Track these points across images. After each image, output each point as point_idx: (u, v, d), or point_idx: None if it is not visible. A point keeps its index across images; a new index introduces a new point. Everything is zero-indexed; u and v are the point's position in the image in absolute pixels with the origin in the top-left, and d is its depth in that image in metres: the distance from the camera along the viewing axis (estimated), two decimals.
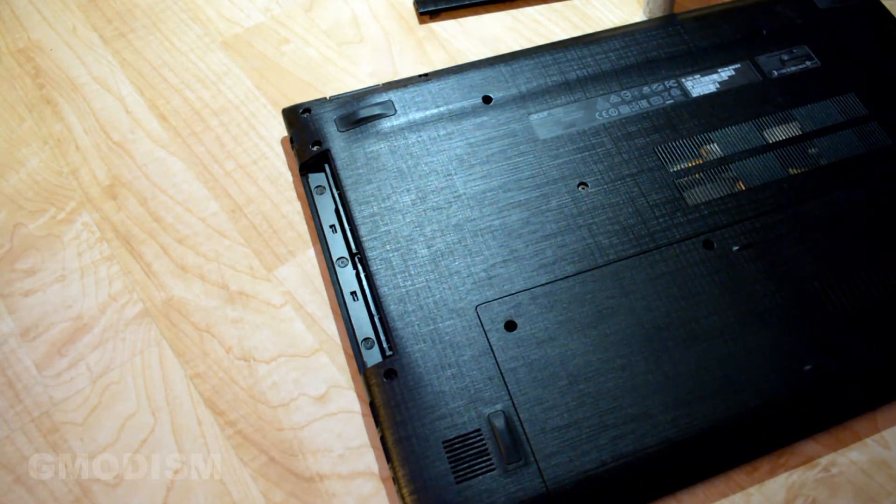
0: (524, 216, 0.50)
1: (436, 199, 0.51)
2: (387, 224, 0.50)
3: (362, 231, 0.50)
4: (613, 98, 0.56)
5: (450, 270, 0.48)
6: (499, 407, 0.44)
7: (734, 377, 0.45)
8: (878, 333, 0.47)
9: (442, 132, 0.54)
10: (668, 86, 0.57)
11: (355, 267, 0.50)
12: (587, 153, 0.53)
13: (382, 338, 0.47)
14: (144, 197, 0.55)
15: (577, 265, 0.49)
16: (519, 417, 0.43)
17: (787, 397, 0.45)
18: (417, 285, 0.48)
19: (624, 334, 0.46)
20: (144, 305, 0.50)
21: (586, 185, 0.52)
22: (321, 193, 0.53)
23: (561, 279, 0.48)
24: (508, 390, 0.44)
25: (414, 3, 0.66)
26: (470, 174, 0.52)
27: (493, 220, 0.50)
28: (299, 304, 0.50)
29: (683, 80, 0.57)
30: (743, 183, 0.52)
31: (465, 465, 0.42)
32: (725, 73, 0.57)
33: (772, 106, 0.56)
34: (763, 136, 0.54)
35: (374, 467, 0.45)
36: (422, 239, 0.49)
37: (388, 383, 0.44)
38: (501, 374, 0.45)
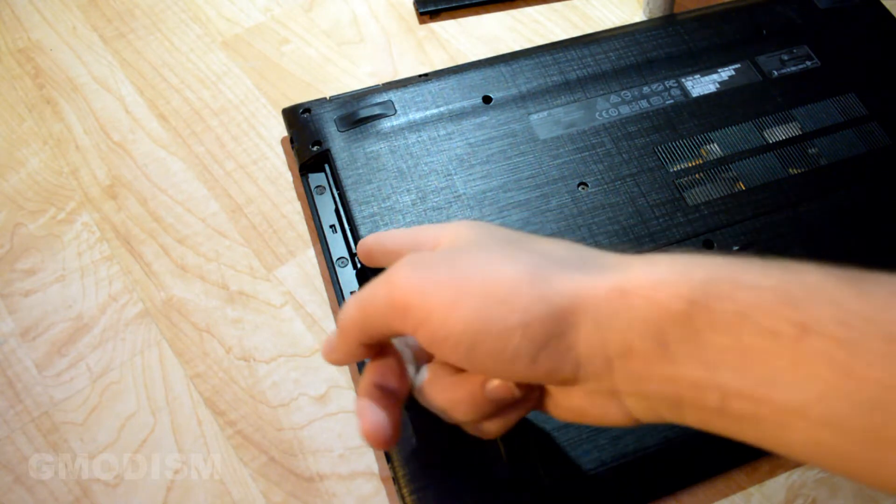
0: (524, 216, 0.50)
1: (436, 199, 0.51)
2: (387, 224, 0.50)
3: (362, 231, 0.50)
4: (613, 98, 0.56)
5: None
6: None
7: None
8: None
9: (442, 132, 0.54)
10: (668, 86, 0.57)
11: (355, 267, 0.50)
12: (587, 153, 0.53)
13: None
14: (144, 197, 0.55)
15: None
16: None
17: None
18: None
19: None
20: (144, 305, 0.50)
21: (586, 185, 0.52)
22: (321, 193, 0.53)
23: None
24: None
25: (414, 3, 0.66)
26: (470, 174, 0.52)
27: (493, 220, 0.50)
28: (299, 304, 0.50)
29: (683, 80, 0.57)
30: (743, 183, 0.52)
31: (465, 465, 0.42)
32: (725, 73, 0.57)
33: (772, 106, 0.56)
34: (763, 136, 0.54)
35: (374, 467, 0.45)
36: None
37: None
38: None
